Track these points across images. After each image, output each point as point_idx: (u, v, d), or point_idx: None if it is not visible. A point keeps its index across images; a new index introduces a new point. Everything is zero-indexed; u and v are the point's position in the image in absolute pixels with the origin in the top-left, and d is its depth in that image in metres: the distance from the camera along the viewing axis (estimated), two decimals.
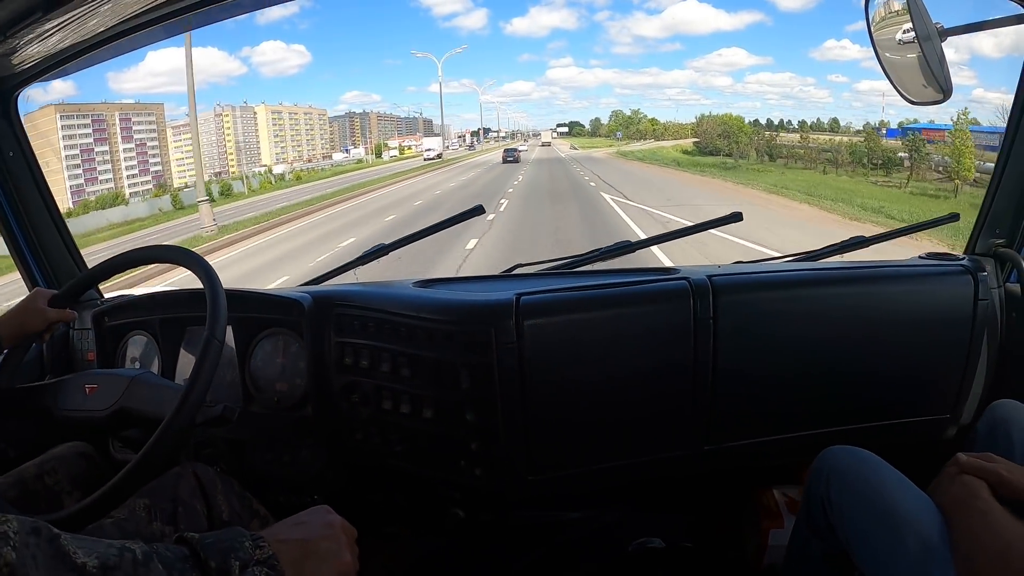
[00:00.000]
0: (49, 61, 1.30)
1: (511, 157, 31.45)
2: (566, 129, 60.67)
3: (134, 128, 30.90)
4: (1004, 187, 1.20)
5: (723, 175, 21.67)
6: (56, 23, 1.10)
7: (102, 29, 1.21)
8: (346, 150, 46.25)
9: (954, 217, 1.31)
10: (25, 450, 1.03)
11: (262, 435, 1.15)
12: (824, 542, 0.92)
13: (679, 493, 1.37)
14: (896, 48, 1.18)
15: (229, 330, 1.15)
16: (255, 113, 40.97)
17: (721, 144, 33.31)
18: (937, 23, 1.17)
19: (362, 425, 1.09)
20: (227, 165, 37.40)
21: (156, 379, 0.98)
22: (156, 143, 32.02)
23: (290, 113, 43.21)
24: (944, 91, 1.13)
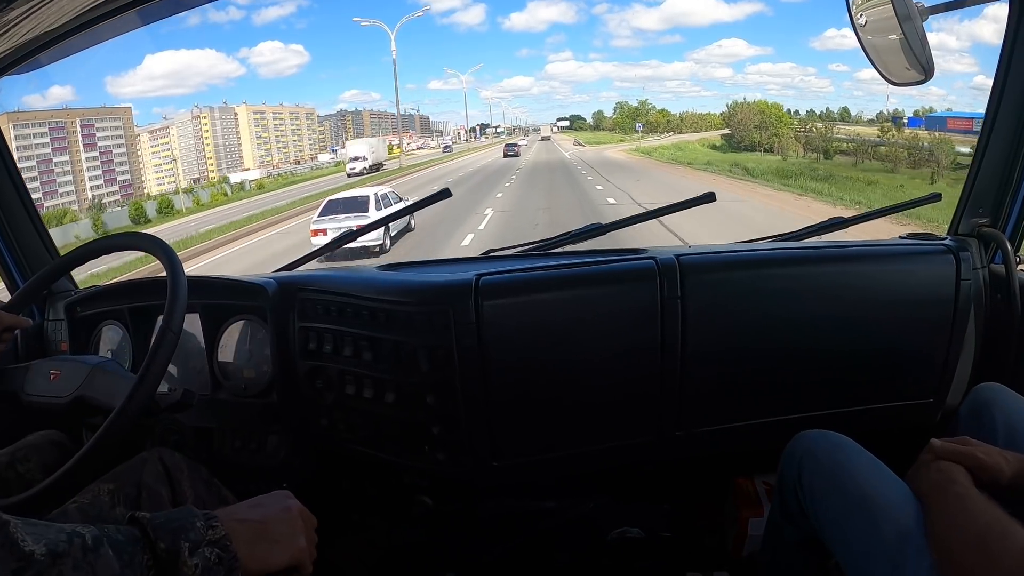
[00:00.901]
0: (20, 52, 1.29)
1: (512, 152, 32.54)
2: (567, 123, 58.84)
3: (98, 135, 28.98)
4: (986, 166, 1.17)
5: (822, 188, 15.82)
6: (22, 10, 1.10)
7: (73, 16, 1.20)
8: (333, 150, 43.72)
9: (935, 197, 1.28)
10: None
11: (230, 422, 1.14)
12: (798, 528, 0.90)
13: (658, 482, 1.35)
14: (877, 30, 1.16)
15: (196, 318, 1.15)
16: (235, 114, 39.15)
17: (757, 137, 29.41)
18: (918, 2, 1.15)
19: (327, 411, 1.07)
20: (206, 170, 35.85)
21: (116, 368, 0.98)
22: (124, 150, 30.21)
23: (274, 113, 41.45)
24: (926, 71, 1.11)
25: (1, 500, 0.79)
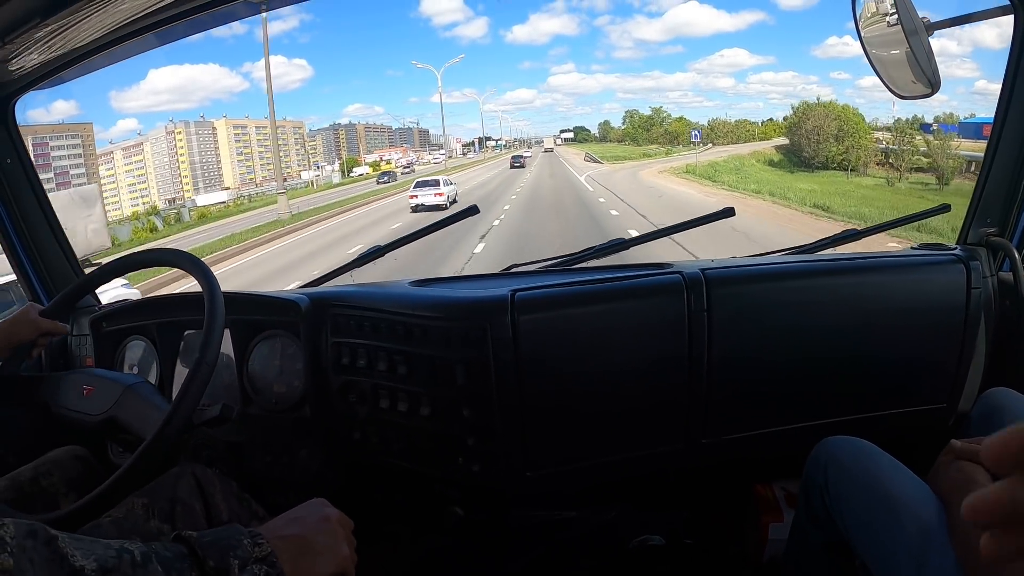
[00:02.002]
0: (46, 68, 1.31)
1: (518, 163, 34.51)
2: (571, 135, 56.21)
3: (53, 154, 26.84)
4: (994, 176, 1.20)
5: None
6: (52, 28, 1.11)
7: (97, 36, 1.22)
8: (318, 167, 40.86)
9: (945, 208, 1.32)
10: (22, 453, 1.04)
11: (260, 437, 1.15)
12: (824, 532, 0.92)
13: (677, 490, 1.37)
14: (884, 44, 1.20)
15: (227, 333, 1.16)
16: (214, 129, 36.46)
17: (835, 149, 22.14)
18: (923, 17, 1.18)
19: (360, 424, 1.09)
20: (181, 189, 33.26)
21: (149, 393, 0.98)
22: (83, 170, 27.90)
23: (258, 127, 38.43)
24: (932, 85, 1.15)
25: (31, 517, 0.80)
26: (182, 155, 34.24)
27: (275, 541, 0.58)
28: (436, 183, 17.60)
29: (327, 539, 0.63)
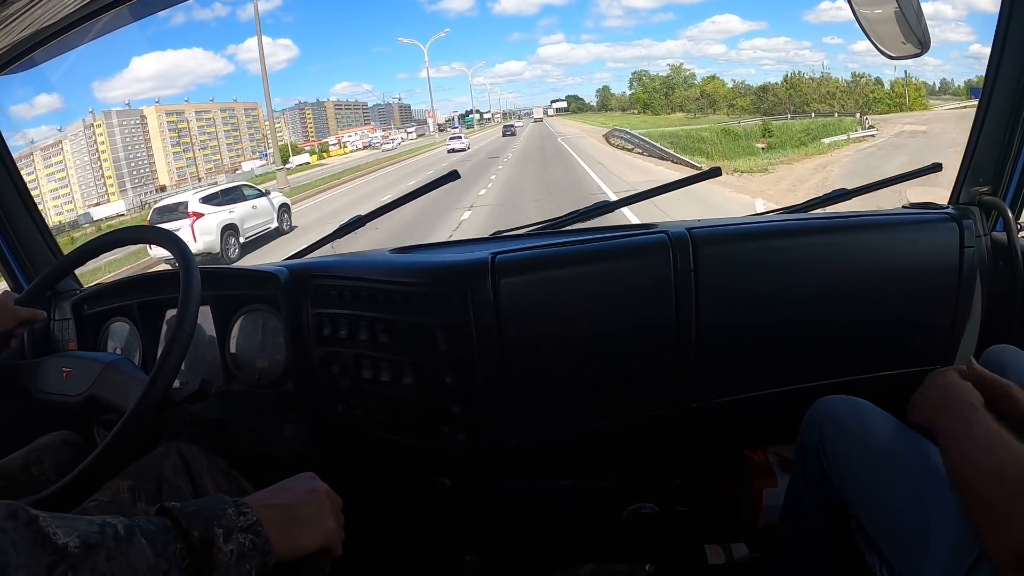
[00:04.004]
0: (17, 49, 1.29)
1: (509, 131, 34.79)
2: (564, 104, 51.41)
3: None
4: (985, 135, 1.18)
5: None
6: (20, 5, 1.09)
7: (69, 11, 1.20)
8: (264, 155, 34.00)
9: (936, 167, 1.30)
10: (7, 441, 1.02)
11: (244, 413, 1.13)
12: (820, 493, 0.90)
13: (670, 457, 1.36)
14: (873, 3, 1.17)
15: (207, 310, 1.15)
16: (143, 117, 30.43)
17: None
18: None
19: (343, 396, 1.07)
20: (105, 192, 27.29)
21: (129, 368, 0.96)
22: None
23: (199, 112, 32.83)
24: (922, 44, 1.12)
25: (25, 498, 0.78)
26: (104, 151, 27.99)
27: (261, 510, 0.57)
28: (460, 137, 28.87)
29: (314, 511, 0.62)
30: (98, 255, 1.04)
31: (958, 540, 0.68)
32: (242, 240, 10.11)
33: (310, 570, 0.64)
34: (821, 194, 1.24)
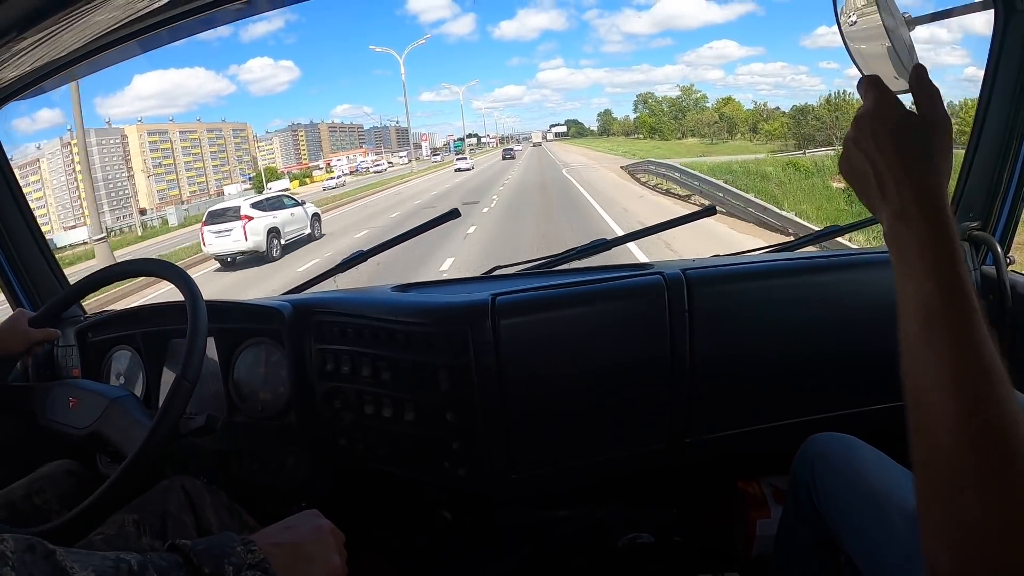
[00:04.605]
0: (26, 79, 1.30)
1: (509, 155, 36.07)
2: (563, 129, 51.86)
3: None
4: (976, 170, 1.20)
5: None
6: (31, 40, 1.11)
7: (78, 45, 1.22)
8: (248, 178, 32.57)
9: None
10: (9, 463, 1.04)
11: (247, 445, 1.15)
12: (812, 529, 0.92)
13: (665, 488, 1.37)
14: (865, 39, 1.20)
15: (211, 342, 1.16)
16: (124, 136, 29.01)
17: None
18: (905, 13, 1.18)
19: (346, 431, 1.09)
20: (82, 214, 25.60)
21: (133, 407, 0.97)
22: None
23: (183, 132, 31.26)
24: None
25: (23, 531, 0.80)
26: (81, 171, 26.64)
27: (268, 548, 0.58)
28: (465, 158, 34.51)
29: (319, 548, 0.63)
30: (110, 283, 1.06)
31: None
32: (282, 242, 11.57)
33: None
34: (812, 232, 1.26)
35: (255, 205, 11.54)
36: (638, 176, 17.12)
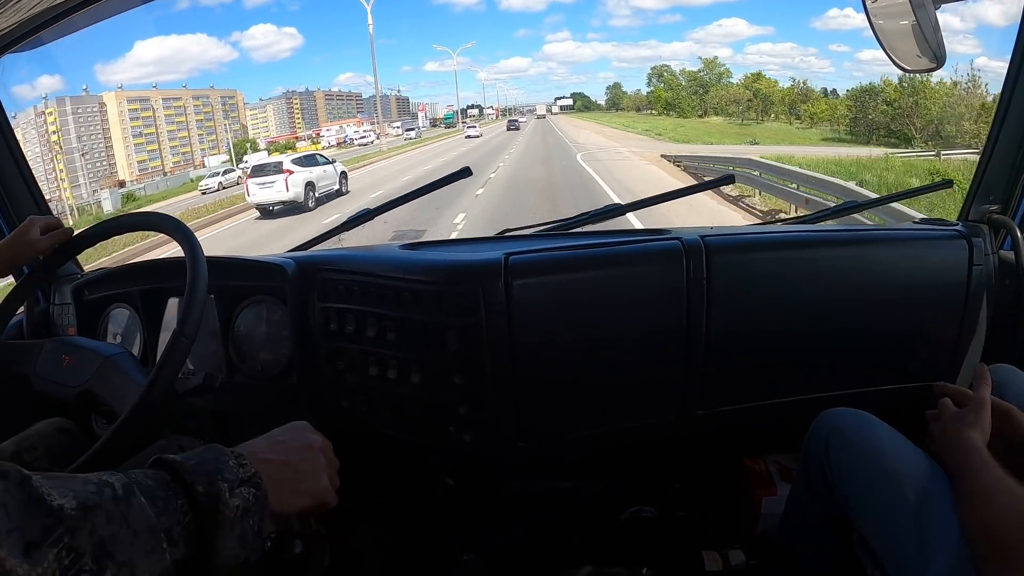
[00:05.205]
0: (24, 28, 1.26)
1: (513, 126, 37.54)
2: (569, 102, 49.96)
3: None
4: (998, 154, 1.19)
5: None
6: None
7: None
8: (229, 147, 31.07)
9: (947, 184, 1.30)
10: (2, 420, 1.01)
11: (247, 406, 1.12)
12: (822, 504, 0.91)
13: (670, 462, 1.36)
14: (890, 15, 1.17)
15: (211, 300, 1.13)
16: (102, 105, 26.95)
17: None
18: None
19: (348, 393, 1.06)
20: (59, 187, 23.93)
21: (129, 366, 0.93)
22: None
23: (166, 100, 29.01)
24: (937, 59, 1.12)
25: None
26: (55, 144, 25.37)
27: (259, 464, 0.54)
28: (475, 127, 36.31)
29: (308, 467, 0.60)
30: (110, 237, 1.01)
31: (957, 562, 0.69)
32: (316, 195, 13.36)
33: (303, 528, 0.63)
34: (832, 206, 1.24)
35: (295, 161, 13.71)
36: (703, 177, 11.20)
